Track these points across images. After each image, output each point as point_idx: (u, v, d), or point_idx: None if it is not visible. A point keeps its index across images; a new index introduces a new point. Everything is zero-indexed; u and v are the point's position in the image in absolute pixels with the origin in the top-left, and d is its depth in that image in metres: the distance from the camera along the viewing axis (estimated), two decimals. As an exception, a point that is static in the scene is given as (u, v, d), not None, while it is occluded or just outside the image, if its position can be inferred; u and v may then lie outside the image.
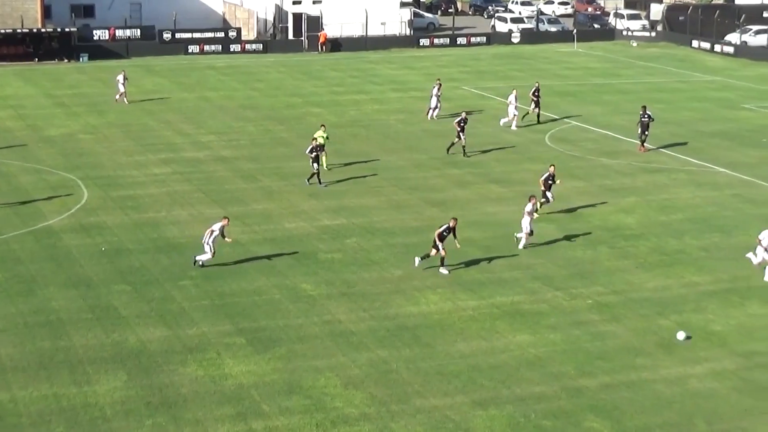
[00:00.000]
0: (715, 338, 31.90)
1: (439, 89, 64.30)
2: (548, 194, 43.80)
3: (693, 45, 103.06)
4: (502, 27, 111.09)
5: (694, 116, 66.48)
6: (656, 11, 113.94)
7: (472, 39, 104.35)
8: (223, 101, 70.10)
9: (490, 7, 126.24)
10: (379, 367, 29.37)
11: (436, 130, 61.17)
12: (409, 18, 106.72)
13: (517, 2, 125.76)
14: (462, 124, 54.07)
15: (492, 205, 45.69)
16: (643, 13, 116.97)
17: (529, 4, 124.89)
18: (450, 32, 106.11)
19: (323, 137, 49.72)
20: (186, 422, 26.06)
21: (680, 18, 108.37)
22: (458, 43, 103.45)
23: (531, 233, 39.58)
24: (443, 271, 36.91)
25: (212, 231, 36.65)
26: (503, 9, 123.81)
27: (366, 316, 33.00)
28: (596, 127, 62.90)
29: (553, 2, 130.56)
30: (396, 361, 29.81)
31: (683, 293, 35.72)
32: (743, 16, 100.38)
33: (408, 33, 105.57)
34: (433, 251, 36.78)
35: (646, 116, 56.04)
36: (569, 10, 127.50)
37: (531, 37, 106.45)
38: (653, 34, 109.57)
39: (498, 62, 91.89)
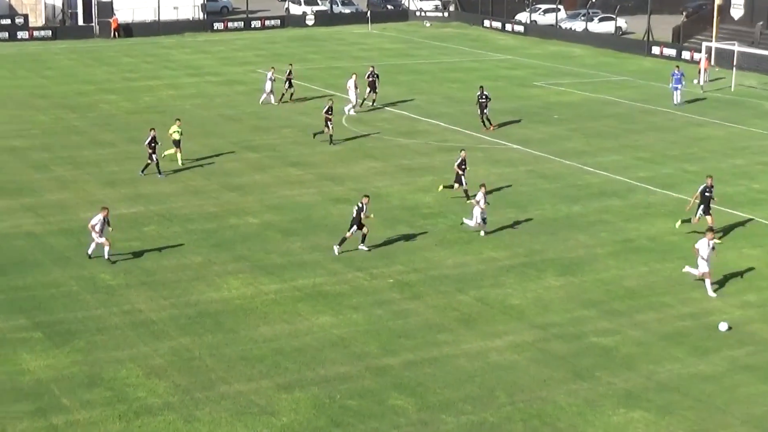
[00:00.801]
0: (514, 311, 32.57)
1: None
2: (463, 179, 43.59)
3: (485, 24, 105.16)
4: (296, 9, 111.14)
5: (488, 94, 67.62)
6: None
7: (267, 22, 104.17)
8: (12, 90, 68.14)
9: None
10: (182, 355, 29.00)
11: (232, 114, 60.83)
12: (202, 2, 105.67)
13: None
14: (329, 113, 53.30)
15: (290, 188, 45.63)
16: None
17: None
18: (244, 16, 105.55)
19: (178, 132, 48.80)
20: (-18, 421, 25.24)
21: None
22: (252, 26, 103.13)
23: (484, 222, 39.42)
24: (362, 247, 37.27)
25: (94, 228, 35.60)
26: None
27: (167, 304, 32.54)
28: (392, 108, 63.48)
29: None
30: (199, 348, 29.49)
31: (482, 269, 36.35)
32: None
33: (201, 17, 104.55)
34: (348, 233, 36.98)
35: (483, 97, 56.96)
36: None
37: (325, 19, 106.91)
38: (446, 14, 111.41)
39: (293, 45, 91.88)
